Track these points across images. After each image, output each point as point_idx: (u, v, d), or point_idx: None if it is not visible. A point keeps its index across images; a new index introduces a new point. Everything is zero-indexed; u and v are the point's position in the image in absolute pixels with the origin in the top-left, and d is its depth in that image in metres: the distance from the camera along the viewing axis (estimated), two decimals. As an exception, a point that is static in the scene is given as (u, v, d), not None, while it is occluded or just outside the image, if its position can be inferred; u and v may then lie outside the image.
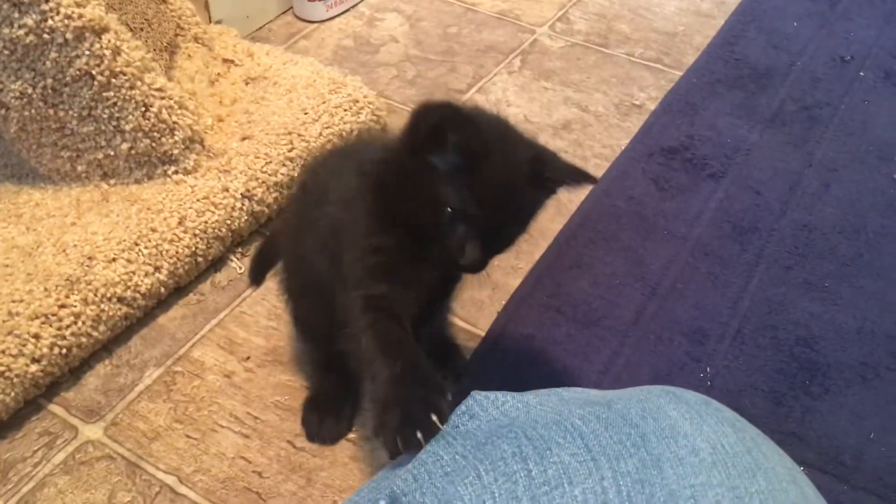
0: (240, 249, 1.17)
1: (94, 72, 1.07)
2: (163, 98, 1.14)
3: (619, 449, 0.51)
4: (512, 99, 1.46)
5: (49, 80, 1.07)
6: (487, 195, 0.72)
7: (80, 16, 1.04)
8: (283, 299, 0.99)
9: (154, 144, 1.14)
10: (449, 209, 0.72)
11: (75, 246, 1.06)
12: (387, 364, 0.69)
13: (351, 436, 0.94)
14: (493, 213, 0.73)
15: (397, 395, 0.67)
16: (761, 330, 1.05)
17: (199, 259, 1.11)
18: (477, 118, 0.75)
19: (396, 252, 0.76)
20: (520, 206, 0.77)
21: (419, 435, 0.60)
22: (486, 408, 0.60)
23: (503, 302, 1.09)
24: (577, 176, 0.78)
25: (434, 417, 0.61)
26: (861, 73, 1.51)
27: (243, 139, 1.23)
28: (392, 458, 0.64)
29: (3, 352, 0.93)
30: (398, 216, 0.76)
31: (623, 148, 1.35)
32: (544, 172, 0.76)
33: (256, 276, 1.10)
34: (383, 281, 0.76)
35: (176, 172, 1.16)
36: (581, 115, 1.43)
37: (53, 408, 0.97)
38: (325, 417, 0.95)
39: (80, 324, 0.99)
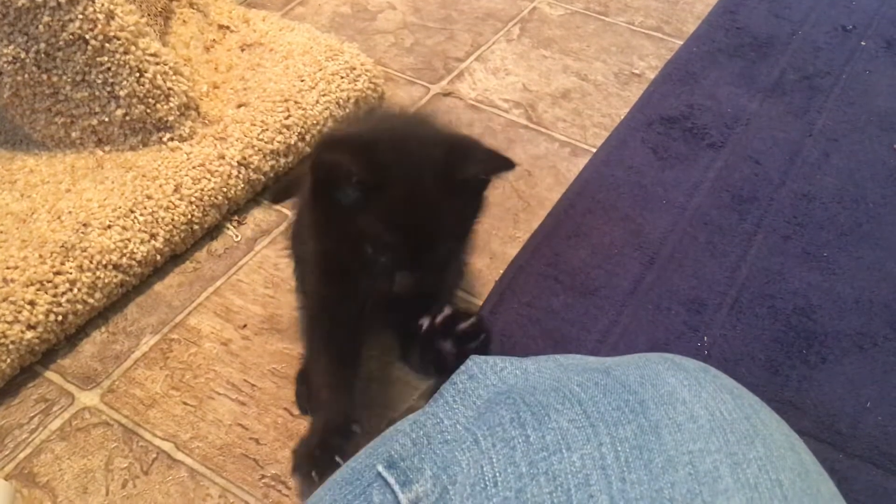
0: (236, 217, 1.16)
1: (87, 36, 1.06)
2: (157, 64, 1.13)
3: (617, 415, 0.51)
4: (511, 67, 1.45)
5: (42, 45, 1.06)
6: (399, 219, 0.72)
7: (73, -21, 1.03)
8: (293, 266, 0.99)
9: (149, 111, 1.13)
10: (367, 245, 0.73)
11: (70, 213, 1.05)
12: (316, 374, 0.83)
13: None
14: (413, 235, 0.73)
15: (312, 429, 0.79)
16: (759, 299, 1.05)
17: (195, 227, 1.10)
18: (373, 146, 0.74)
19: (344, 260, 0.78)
20: (440, 219, 0.75)
21: (313, 474, 0.72)
22: (484, 371, 0.60)
23: (501, 271, 1.09)
24: (493, 166, 0.77)
25: (337, 458, 0.71)
26: (862, 43, 1.49)
27: (239, 106, 1.22)
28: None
29: (-1, 318, 0.93)
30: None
31: (622, 117, 1.34)
32: (456, 176, 0.74)
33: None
34: (332, 285, 0.81)
35: (171, 139, 1.15)
36: (580, 84, 1.42)
37: (50, 375, 0.97)
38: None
39: (75, 291, 0.99)
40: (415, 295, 0.76)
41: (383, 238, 0.72)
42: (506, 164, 0.76)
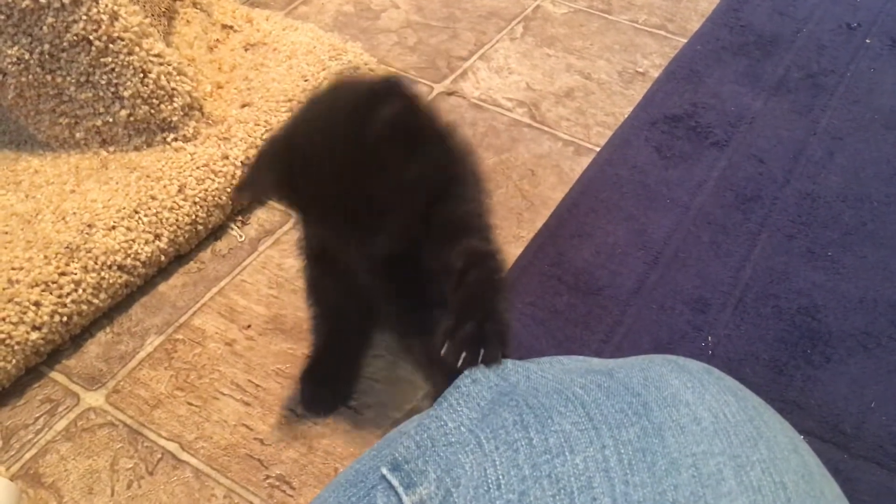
0: (240, 218, 1.17)
1: (91, 37, 1.06)
2: (161, 64, 1.13)
3: (620, 417, 0.51)
4: (514, 66, 1.45)
5: (46, 46, 1.06)
6: (332, 203, 0.68)
7: (77, -20, 1.03)
8: (301, 262, 0.99)
9: (153, 111, 1.13)
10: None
11: (75, 213, 1.05)
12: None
13: (353, 404, 0.94)
14: (357, 207, 0.68)
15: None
16: (763, 299, 1.04)
17: (200, 227, 1.11)
18: (286, 153, 0.70)
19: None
20: (372, 181, 0.68)
21: None
22: (487, 374, 0.60)
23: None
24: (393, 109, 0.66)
25: None
26: (867, 41, 1.49)
27: (243, 106, 1.22)
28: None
29: (4, 319, 0.93)
30: None
31: (626, 116, 1.34)
32: (367, 135, 0.66)
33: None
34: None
35: (175, 139, 1.15)
36: (584, 83, 1.42)
37: (55, 375, 0.97)
38: (320, 388, 0.95)
39: (80, 291, 0.99)
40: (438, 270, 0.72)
41: (326, 222, 0.70)
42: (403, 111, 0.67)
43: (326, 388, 0.95)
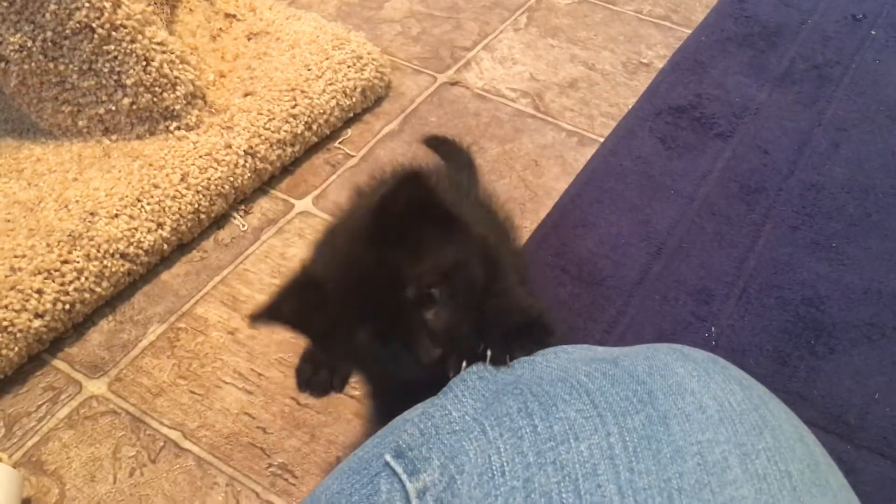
0: (242, 207, 1.16)
1: (94, 24, 1.06)
2: (164, 52, 1.12)
3: (625, 405, 0.51)
4: (518, 57, 1.44)
5: (49, 33, 1.05)
6: (359, 310, 0.65)
7: (80, -33, 1.03)
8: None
9: (155, 99, 1.13)
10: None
11: (77, 202, 1.05)
12: None
13: (355, 392, 0.94)
14: (387, 307, 0.64)
15: None
16: (767, 290, 1.04)
17: (202, 216, 1.10)
18: (302, 277, 0.68)
19: None
20: (393, 273, 0.64)
21: None
22: (492, 369, 0.60)
23: (508, 261, 1.09)
24: (397, 185, 0.64)
25: None
26: (872, 32, 1.48)
27: (246, 95, 1.22)
28: None
29: (6, 307, 0.93)
30: None
31: (630, 107, 1.33)
32: (380, 213, 0.64)
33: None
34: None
35: (178, 128, 1.15)
36: (588, 74, 1.41)
37: (57, 363, 0.97)
38: (318, 369, 0.95)
39: (82, 279, 0.99)
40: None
41: (361, 336, 0.65)
42: (413, 185, 0.64)
43: (325, 370, 0.95)
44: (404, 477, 0.54)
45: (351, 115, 1.30)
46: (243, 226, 1.14)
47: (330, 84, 1.25)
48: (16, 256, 0.97)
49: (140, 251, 1.04)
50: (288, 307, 0.67)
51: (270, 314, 0.68)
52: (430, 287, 0.63)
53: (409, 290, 0.63)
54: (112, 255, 1.01)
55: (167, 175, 1.09)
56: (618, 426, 0.49)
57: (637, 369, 0.54)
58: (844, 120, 1.30)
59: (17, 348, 0.93)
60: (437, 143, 1.14)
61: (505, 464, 0.50)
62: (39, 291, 0.96)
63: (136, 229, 1.04)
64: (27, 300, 0.95)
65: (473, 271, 0.66)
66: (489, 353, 0.63)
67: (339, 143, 1.27)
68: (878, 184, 1.19)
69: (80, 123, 1.14)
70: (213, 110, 1.18)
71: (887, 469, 0.87)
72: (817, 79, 1.38)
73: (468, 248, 0.67)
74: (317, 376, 0.95)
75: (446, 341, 0.63)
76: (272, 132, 1.17)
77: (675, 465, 0.47)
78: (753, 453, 0.47)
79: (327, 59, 1.28)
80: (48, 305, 0.96)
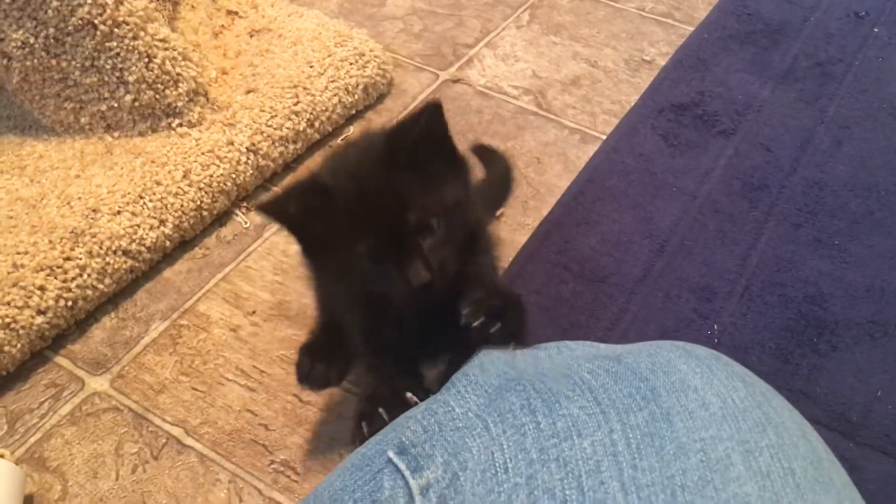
0: (245, 204, 1.16)
1: (96, 21, 1.06)
2: (166, 49, 1.12)
3: (628, 402, 0.51)
4: (520, 54, 1.44)
5: (51, 30, 1.05)
6: (364, 218, 0.69)
7: (82, -37, 1.03)
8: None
9: (158, 96, 1.13)
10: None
11: (79, 198, 1.05)
12: None
13: (357, 389, 0.94)
14: (385, 225, 0.69)
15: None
16: (769, 287, 1.04)
17: (205, 213, 1.10)
18: (311, 179, 0.72)
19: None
20: (403, 198, 0.69)
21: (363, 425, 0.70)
22: (495, 362, 0.60)
23: (510, 258, 1.09)
24: (421, 120, 0.69)
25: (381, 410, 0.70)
26: (875, 30, 1.48)
27: (248, 92, 1.22)
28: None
29: (9, 303, 0.93)
30: None
31: (632, 104, 1.33)
32: (393, 148, 0.69)
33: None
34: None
35: (180, 125, 1.15)
36: (590, 71, 1.41)
37: (60, 360, 0.97)
38: (316, 363, 0.94)
39: (85, 276, 0.99)
40: (454, 292, 0.72)
41: (359, 249, 0.69)
42: (428, 109, 0.69)
43: (323, 364, 0.94)
44: (407, 473, 0.54)
45: (353, 112, 1.30)
46: (245, 223, 1.14)
47: (332, 81, 1.25)
48: (18, 253, 0.98)
49: (142, 248, 1.04)
50: (293, 206, 0.70)
51: (275, 209, 0.71)
52: (432, 217, 0.69)
53: (411, 215, 0.68)
54: (114, 252, 1.01)
55: (169, 172, 1.09)
56: (621, 423, 0.49)
57: (640, 366, 0.54)
58: (847, 117, 1.30)
59: (19, 345, 0.93)
60: (481, 152, 1.16)
61: (508, 460, 0.50)
62: (42, 288, 0.96)
63: (138, 226, 1.04)
64: (30, 297, 0.95)
65: (469, 216, 0.74)
66: (465, 311, 0.68)
67: (342, 140, 1.27)
68: (881, 181, 1.18)
69: (83, 120, 1.14)
70: (215, 107, 1.18)
71: (890, 467, 0.87)
72: (820, 76, 1.38)
73: (467, 194, 0.76)
74: (315, 370, 0.94)
75: (436, 270, 0.68)
76: (274, 129, 1.17)
77: (679, 461, 0.47)
78: (756, 450, 0.47)
79: (329, 56, 1.28)
80: (50, 302, 0.96)
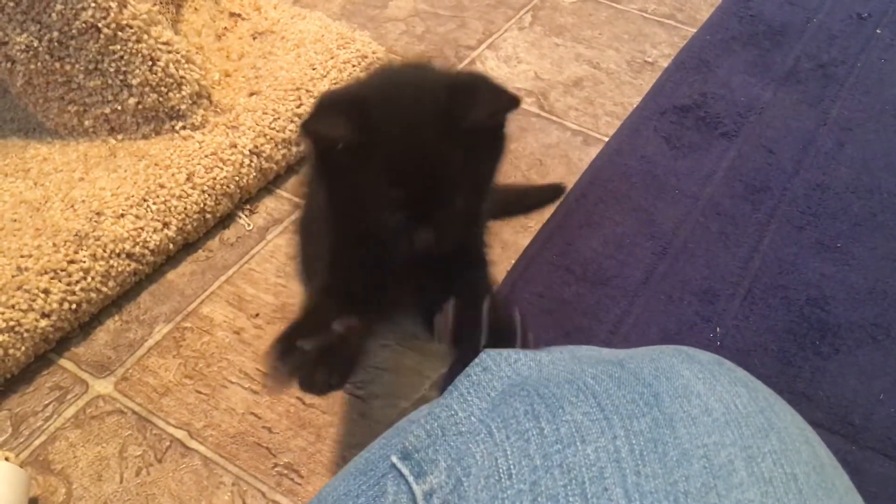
0: (248, 206, 1.17)
1: (100, 24, 1.06)
2: (170, 52, 1.13)
3: (632, 408, 0.51)
4: (522, 55, 1.44)
5: (55, 33, 1.06)
6: (402, 174, 0.68)
7: (86, -33, 1.03)
8: (298, 255, 0.99)
9: (161, 99, 1.13)
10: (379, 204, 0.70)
11: (83, 201, 1.05)
12: None
13: (360, 393, 0.94)
14: (420, 188, 0.68)
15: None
16: (772, 290, 1.04)
17: (208, 215, 1.11)
18: (359, 103, 0.69)
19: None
20: (448, 168, 0.69)
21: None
22: (499, 363, 0.60)
23: (512, 261, 1.09)
24: (497, 108, 0.70)
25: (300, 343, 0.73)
26: (878, 31, 1.48)
27: (251, 95, 1.22)
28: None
29: (13, 306, 0.94)
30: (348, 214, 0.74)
31: (635, 106, 1.33)
32: (458, 122, 0.68)
33: None
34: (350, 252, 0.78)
35: (184, 128, 1.15)
36: (593, 73, 1.41)
37: (64, 363, 0.97)
38: (317, 367, 0.94)
39: (89, 279, 0.99)
40: (442, 260, 0.72)
41: (386, 195, 0.68)
42: (511, 103, 0.70)
43: (325, 367, 0.94)
44: (411, 479, 0.54)
45: (356, 114, 1.30)
46: (249, 225, 1.14)
47: (335, 83, 1.25)
48: (22, 256, 0.98)
49: (146, 251, 1.04)
50: (339, 135, 0.68)
51: (324, 122, 0.69)
52: (460, 193, 0.70)
53: (447, 186, 0.69)
54: (118, 255, 1.02)
55: (173, 175, 1.09)
56: (624, 429, 0.49)
57: (643, 372, 0.54)
58: (850, 119, 1.30)
59: (23, 348, 0.94)
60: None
61: (512, 466, 0.50)
62: (46, 291, 0.96)
63: (142, 229, 1.04)
64: (34, 300, 0.95)
65: (486, 205, 0.77)
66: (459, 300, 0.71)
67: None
68: (884, 183, 1.19)
69: (86, 123, 1.14)
70: (218, 110, 1.18)
71: (892, 470, 0.87)
72: (822, 78, 1.38)
73: (493, 185, 0.76)
74: (316, 374, 0.94)
75: (442, 244, 0.70)
76: (277, 131, 1.17)
77: (682, 468, 0.47)
78: (759, 456, 0.47)
79: (332, 58, 1.28)
80: (54, 305, 0.96)
